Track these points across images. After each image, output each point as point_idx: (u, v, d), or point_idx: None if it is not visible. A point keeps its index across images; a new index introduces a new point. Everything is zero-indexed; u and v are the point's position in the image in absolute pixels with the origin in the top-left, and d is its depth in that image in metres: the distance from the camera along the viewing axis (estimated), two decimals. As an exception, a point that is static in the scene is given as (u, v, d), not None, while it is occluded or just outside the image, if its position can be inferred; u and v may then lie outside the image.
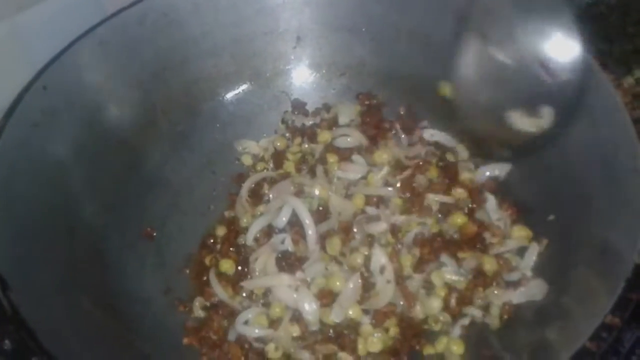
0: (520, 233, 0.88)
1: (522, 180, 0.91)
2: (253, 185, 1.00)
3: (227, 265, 0.91)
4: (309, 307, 0.84)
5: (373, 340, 0.82)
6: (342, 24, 1.06)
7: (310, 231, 0.88)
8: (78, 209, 0.87)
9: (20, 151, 0.80)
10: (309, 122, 1.10)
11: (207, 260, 0.94)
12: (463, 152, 1.01)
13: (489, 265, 0.86)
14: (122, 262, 0.89)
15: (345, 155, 0.99)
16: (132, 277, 0.89)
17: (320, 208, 0.95)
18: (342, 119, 1.07)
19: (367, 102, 1.08)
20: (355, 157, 0.99)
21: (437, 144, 1.02)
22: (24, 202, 0.78)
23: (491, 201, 0.93)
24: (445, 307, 0.85)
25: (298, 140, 1.06)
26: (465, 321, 0.83)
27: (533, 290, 0.82)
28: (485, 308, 0.84)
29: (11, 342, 0.60)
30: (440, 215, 0.93)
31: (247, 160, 1.07)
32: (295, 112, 1.11)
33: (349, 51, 1.08)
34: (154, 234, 0.95)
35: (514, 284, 0.84)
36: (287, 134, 1.09)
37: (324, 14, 1.06)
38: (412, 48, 1.03)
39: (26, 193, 0.79)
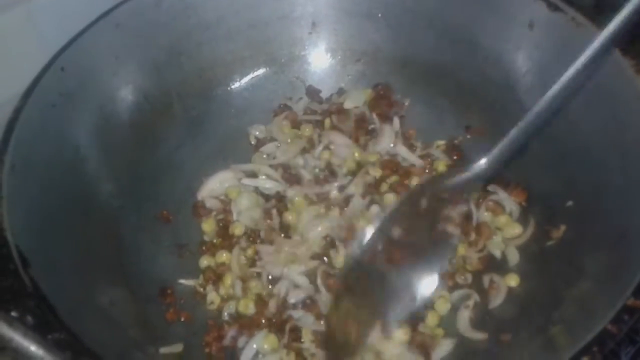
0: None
1: (541, 166, 0.90)
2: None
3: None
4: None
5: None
6: (357, 9, 1.05)
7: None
8: (94, 190, 0.87)
9: (38, 131, 0.80)
10: (321, 108, 1.09)
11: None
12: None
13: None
14: (137, 244, 0.89)
15: None
16: (148, 259, 0.89)
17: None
18: (348, 104, 1.07)
19: (381, 93, 1.07)
20: None
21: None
22: (42, 181, 0.78)
23: (501, 193, 0.93)
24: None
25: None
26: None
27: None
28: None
29: (33, 318, 0.60)
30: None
31: (252, 139, 1.07)
32: (309, 100, 1.10)
33: (364, 37, 1.07)
34: (170, 217, 0.95)
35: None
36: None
37: (340, -1, 1.06)
38: (428, 34, 1.02)
39: (44, 172, 0.79)
